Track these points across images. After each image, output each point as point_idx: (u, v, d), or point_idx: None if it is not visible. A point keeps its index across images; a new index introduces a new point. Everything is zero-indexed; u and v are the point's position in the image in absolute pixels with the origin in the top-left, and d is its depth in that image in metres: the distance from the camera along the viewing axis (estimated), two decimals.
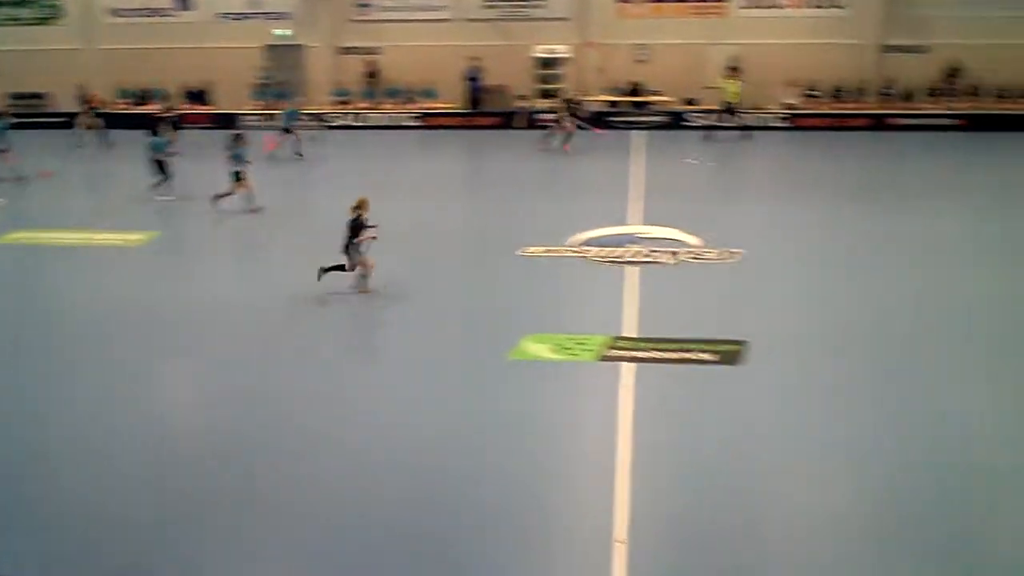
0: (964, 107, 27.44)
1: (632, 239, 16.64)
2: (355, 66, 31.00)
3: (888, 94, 28.42)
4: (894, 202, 19.24)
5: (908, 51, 28.51)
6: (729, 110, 26.49)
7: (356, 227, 13.51)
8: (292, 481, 9.06)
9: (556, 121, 25.00)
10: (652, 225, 17.42)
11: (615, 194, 19.96)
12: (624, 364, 11.53)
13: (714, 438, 9.78)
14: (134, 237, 17.57)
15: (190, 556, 7.89)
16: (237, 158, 18.91)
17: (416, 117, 29.20)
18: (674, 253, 15.82)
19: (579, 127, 25.54)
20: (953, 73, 28.32)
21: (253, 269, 16.68)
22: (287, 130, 24.98)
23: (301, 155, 24.77)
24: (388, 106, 30.13)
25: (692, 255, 15.75)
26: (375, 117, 29.32)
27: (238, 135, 19.65)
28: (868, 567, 7.55)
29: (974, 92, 27.89)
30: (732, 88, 26.65)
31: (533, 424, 10.23)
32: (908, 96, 28.36)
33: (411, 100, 29.72)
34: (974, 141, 26.04)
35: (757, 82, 28.15)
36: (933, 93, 28.34)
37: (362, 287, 13.92)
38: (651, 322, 12.82)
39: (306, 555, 7.89)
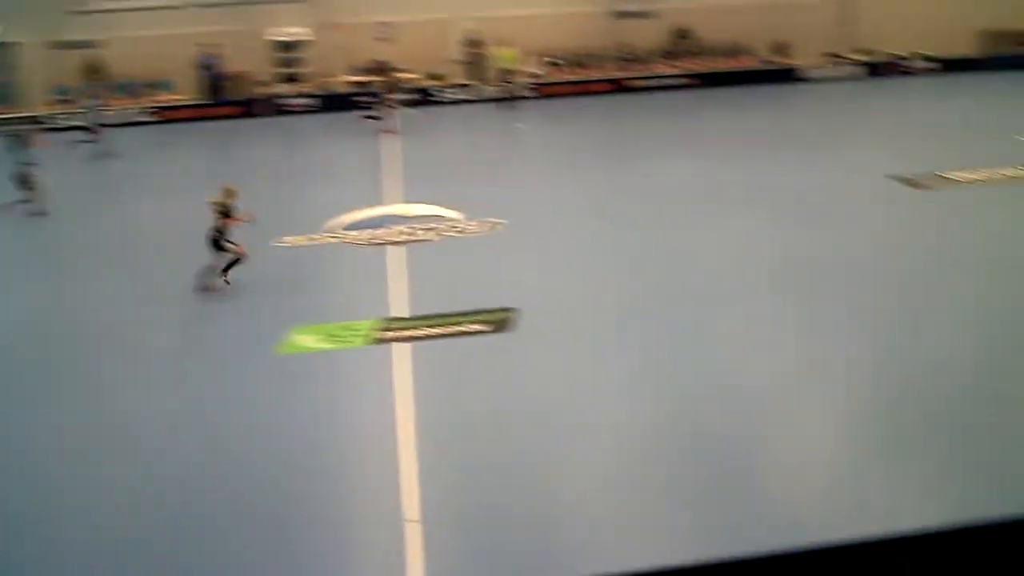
0: (694, 66, 29.06)
1: (393, 219, 16.31)
2: (76, 62, 28.49)
3: (626, 59, 29.59)
4: (637, 160, 20.00)
5: (638, 16, 29.78)
6: (507, 80, 26.75)
7: (226, 215, 13.12)
8: (43, 519, 8.11)
9: (378, 102, 23.83)
10: (412, 203, 17.14)
11: (372, 175, 19.54)
12: (397, 345, 11.26)
13: (494, 406, 9.72)
14: None
15: None
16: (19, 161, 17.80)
17: (150, 112, 27.29)
18: (437, 229, 15.64)
19: (395, 108, 24.51)
20: (682, 35, 29.91)
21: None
22: None
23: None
24: (118, 102, 27.92)
25: (455, 229, 15.65)
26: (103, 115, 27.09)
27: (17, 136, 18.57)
28: (649, 517, 7.72)
29: (700, 52, 29.58)
30: (509, 55, 26.96)
31: (311, 415, 9.78)
32: (643, 59, 29.65)
33: (142, 94, 27.64)
34: (706, 97, 27.61)
35: (499, 54, 28.53)
36: (666, 55, 29.80)
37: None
38: (420, 300, 12.61)
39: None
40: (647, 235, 15.01)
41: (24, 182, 17.62)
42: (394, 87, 25.81)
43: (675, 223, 15.61)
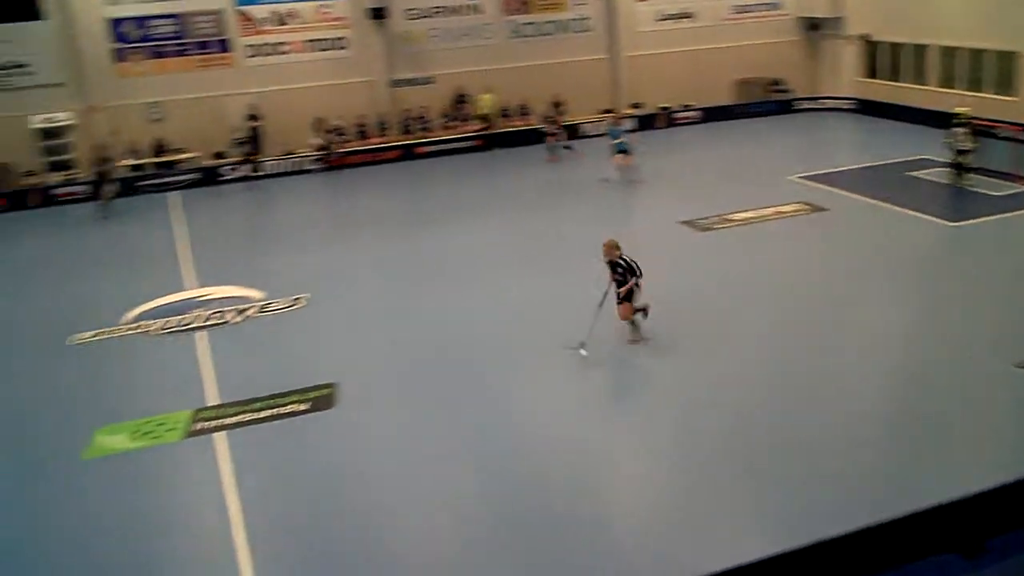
0: (474, 129, 29.96)
1: (193, 303, 15.82)
2: None
3: (410, 126, 30.10)
4: (428, 224, 20.31)
5: (415, 83, 30.45)
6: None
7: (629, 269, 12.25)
8: None
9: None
10: (210, 286, 16.67)
11: (164, 260, 18.80)
12: (215, 435, 10.95)
13: (323, 483, 9.71)
14: None
15: None
16: None
17: None
18: (240, 310, 15.30)
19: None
20: (460, 99, 30.79)
21: None
22: None
23: None
24: None
25: (258, 308, 15.38)
26: None
27: None
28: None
29: (483, 115, 30.60)
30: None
31: (132, 522, 9.30)
32: (425, 125, 30.26)
33: None
34: (491, 158, 28.48)
35: (281, 127, 28.33)
36: (448, 119, 30.54)
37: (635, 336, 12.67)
38: (233, 385, 12.34)
39: None
40: (442, 296, 15.29)
41: None
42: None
43: (468, 282, 15.96)
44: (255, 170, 27.57)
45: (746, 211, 18.96)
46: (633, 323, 12.55)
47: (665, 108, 32.02)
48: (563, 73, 31.33)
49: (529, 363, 12.29)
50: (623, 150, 22.13)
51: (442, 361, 12.62)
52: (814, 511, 8.38)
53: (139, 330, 14.81)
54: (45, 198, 26.06)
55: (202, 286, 16.78)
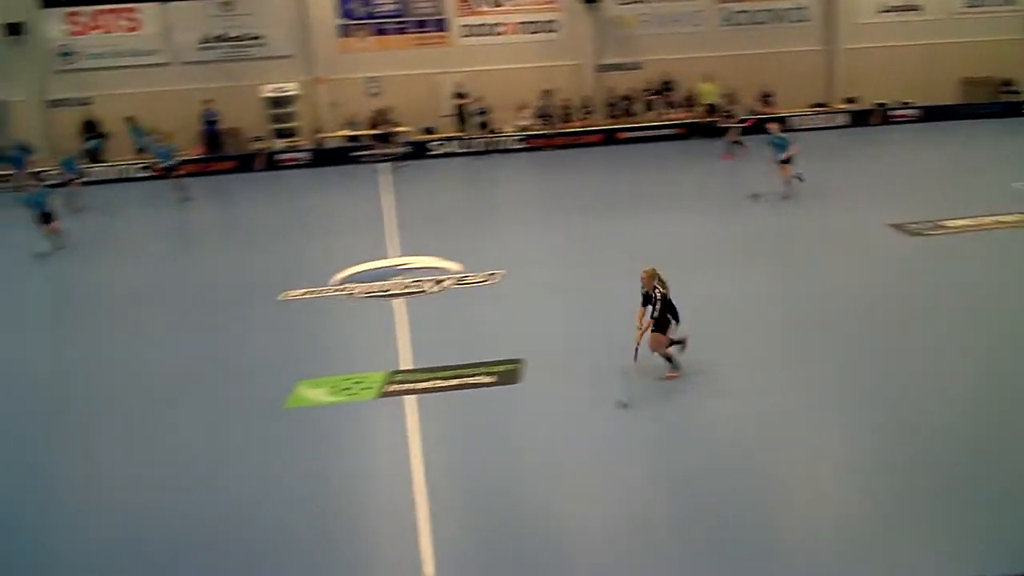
0: (680, 117, 29.68)
1: (394, 271, 16.55)
2: (69, 119, 28.80)
3: (614, 111, 30.16)
4: (629, 210, 20.33)
5: (622, 68, 30.46)
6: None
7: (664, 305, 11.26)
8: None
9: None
10: (412, 255, 17.40)
11: (371, 228, 19.78)
12: (406, 397, 11.41)
13: (504, 458, 9.87)
14: None
15: None
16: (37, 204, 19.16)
17: (143, 168, 27.51)
18: (437, 281, 15.88)
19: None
20: (667, 86, 30.56)
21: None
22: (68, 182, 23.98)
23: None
24: (118, 159, 28.28)
25: (455, 280, 15.89)
26: (100, 171, 27.34)
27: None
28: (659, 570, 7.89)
29: (688, 103, 30.20)
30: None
31: (322, 470, 9.88)
32: (629, 111, 30.24)
33: (146, 147, 27.81)
34: (694, 148, 28.11)
35: (487, 106, 29.06)
36: (650, 106, 30.40)
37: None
38: (426, 352, 12.78)
39: None
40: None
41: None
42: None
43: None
44: (462, 147, 28.45)
45: (963, 218, 17.81)
46: (668, 357, 11.43)
47: (881, 105, 30.45)
48: (774, 64, 30.37)
49: (712, 359, 12.07)
50: (785, 160, 20.50)
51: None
52: None
53: (344, 292, 15.68)
54: (269, 162, 27.93)
55: (404, 255, 17.56)
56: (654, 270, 11.48)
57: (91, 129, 28.67)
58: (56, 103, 28.86)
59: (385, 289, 15.65)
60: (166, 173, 23.24)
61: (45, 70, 28.60)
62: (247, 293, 16.12)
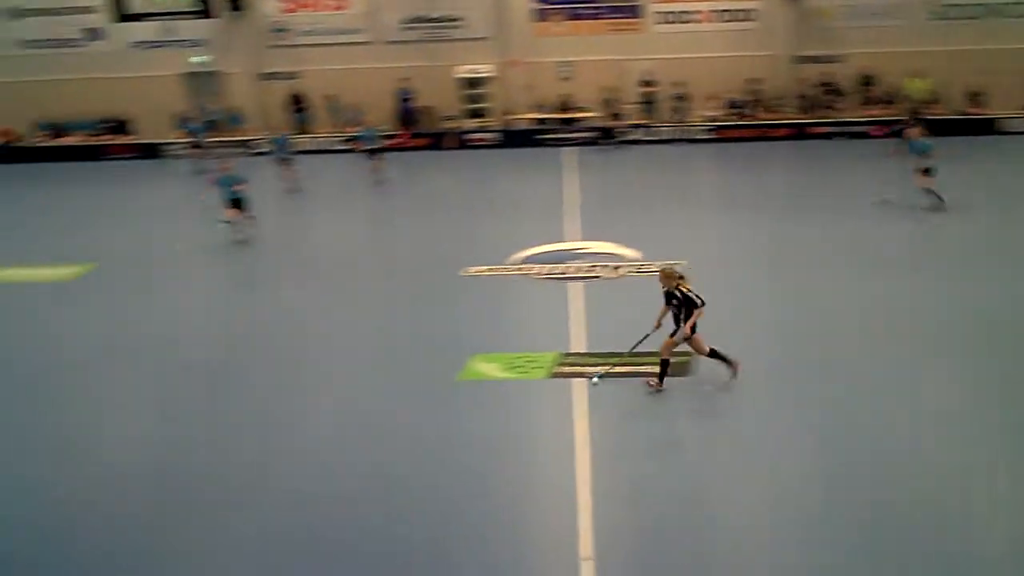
0: (880, 114, 28.31)
1: (572, 255, 16.73)
2: (278, 91, 30.60)
3: (808, 104, 29.15)
4: (818, 210, 19.62)
5: (820, 61, 29.35)
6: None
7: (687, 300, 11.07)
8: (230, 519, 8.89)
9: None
10: (590, 240, 17.52)
11: (552, 211, 20.05)
12: (575, 380, 11.56)
13: (671, 450, 9.86)
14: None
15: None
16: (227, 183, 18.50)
17: (345, 141, 28.91)
18: (615, 267, 15.94)
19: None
20: (866, 81, 29.23)
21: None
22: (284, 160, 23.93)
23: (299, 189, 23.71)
24: (319, 131, 29.86)
25: (632, 268, 15.89)
26: (303, 142, 28.93)
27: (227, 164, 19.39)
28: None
29: (889, 99, 28.80)
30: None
31: (488, 444, 10.20)
32: (826, 105, 29.13)
33: (350, 123, 29.24)
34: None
35: (678, 95, 28.71)
36: (847, 101, 29.16)
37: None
38: (598, 337, 12.89)
39: None
40: (837, 286, 14.71)
41: (236, 205, 18.48)
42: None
43: (836, 279, 15.23)
44: (648, 134, 28.28)
45: None
46: (715, 354, 11.07)
47: None
48: (987, 61, 28.27)
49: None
50: (927, 168, 18.67)
51: (810, 352, 12.27)
52: None
53: (523, 272, 15.99)
54: (459, 142, 28.71)
55: (583, 239, 17.71)
56: (670, 268, 11.30)
57: (297, 102, 30.35)
58: (267, 76, 30.70)
59: (562, 271, 15.86)
60: (370, 154, 23.96)
61: (259, 45, 30.45)
62: (432, 267, 16.72)
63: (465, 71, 29.89)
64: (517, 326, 13.77)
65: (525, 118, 29.56)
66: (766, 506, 8.74)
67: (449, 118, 29.81)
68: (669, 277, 11.10)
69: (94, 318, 14.96)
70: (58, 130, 30.34)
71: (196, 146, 27.41)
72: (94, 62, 30.36)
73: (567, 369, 11.91)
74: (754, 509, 8.69)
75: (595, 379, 11.47)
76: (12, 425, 11.22)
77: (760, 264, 16.11)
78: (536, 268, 16.11)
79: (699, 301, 10.84)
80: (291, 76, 30.58)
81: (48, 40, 30.52)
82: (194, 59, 30.33)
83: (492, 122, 29.76)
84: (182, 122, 29.16)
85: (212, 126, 29.34)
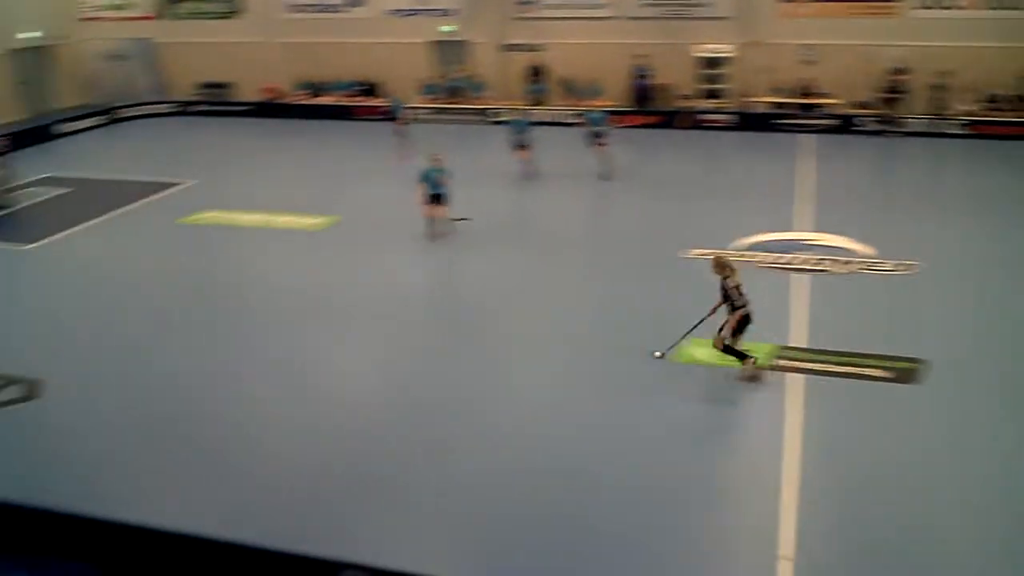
0: None
1: (800, 246, 16.29)
2: (519, 62, 31.37)
3: None
4: None
5: None
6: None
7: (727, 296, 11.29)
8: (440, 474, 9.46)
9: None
10: (821, 232, 16.97)
11: (782, 198, 19.52)
12: (791, 375, 11.37)
13: (886, 459, 9.57)
14: None
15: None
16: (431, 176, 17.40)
17: (578, 115, 29.27)
18: (845, 262, 15.40)
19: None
20: None
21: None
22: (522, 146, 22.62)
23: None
24: (556, 104, 30.37)
25: (863, 265, 15.29)
26: (539, 114, 29.56)
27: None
28: None
29: None
30: None
31: (693, 429, 10.26)
32: None
33: (583, 97, 29.62)
34: None
35: (928, 85, 27.00)
36: None
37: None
38: (820, 333, 12.58)
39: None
40: None
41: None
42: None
43: None
44: (893, 125, 26.83)
45: None
46: (731, 349, 11.08)
47: None
48: None
49: None
50: None
51: None
52: None
53: (746, 258, 15.76)
54: (692, 122, 28.35)
55: (813, 230, 17.17)
56: (720, 257, 11.17)
57: (536, 75, 31.00)
58: (510, 47, 31.54)
59: (788, 262, 15.50)
60: (594, 137, 23.43)
61: (505, 16, 31.27)
62: (653, 245, 16.79)
63: (704, 50, 29.43)
64: None
65: (762, 101, 28.78)
66: (989, 519, 8.33)
67: (684, 97, 29.51)
68: (720, 267, 11.15)
69: (336, 265, 16.21)
70: (316, 90, 32.55)
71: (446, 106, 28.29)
72: (352, 27, 32.31)
73: (783, 363, 11.72)
74: (975, 523, 8.32)
75: (658, 353, 11.74)
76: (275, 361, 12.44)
77: (1008, 275, 15.03)
78: (760, 256, 15.83)
79: (738, 301, 10.97)
80: (532, 48, 31.25)
81: (314, 5, 32.74)
82: (444, 28, 31.62)
83: (728, 103, 29.20)
84: (427, 88, 30.57)
85: (455, 92, 30.51)
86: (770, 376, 11.35)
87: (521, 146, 22.45)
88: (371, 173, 23.45)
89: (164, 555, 7.88)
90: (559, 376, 11.72)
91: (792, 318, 13.19)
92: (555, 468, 9.49)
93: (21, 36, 31.71)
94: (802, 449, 9.69)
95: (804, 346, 12.20)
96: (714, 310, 11.44)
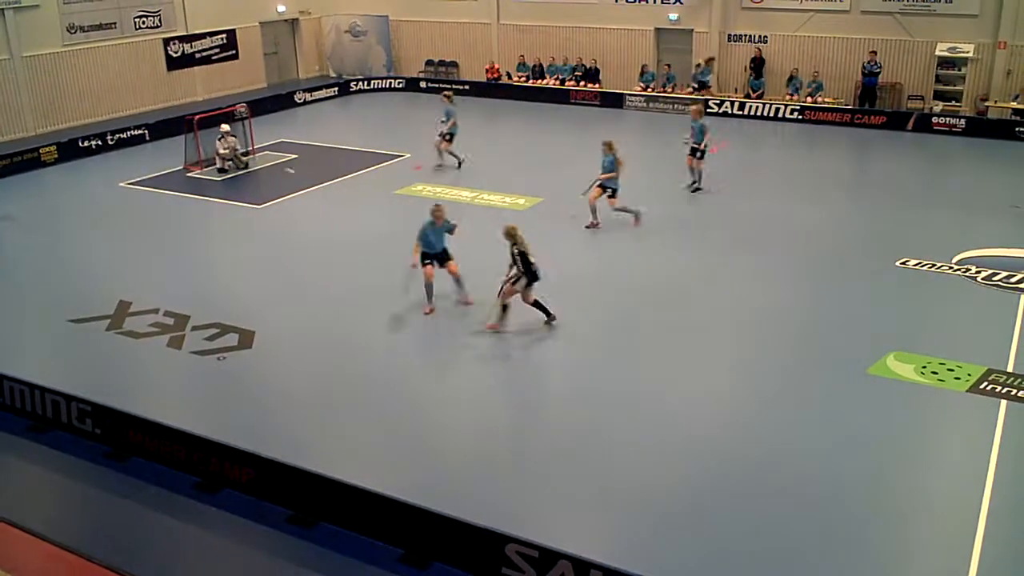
0: None
1: None
2: (740, 53, 30.67)
3: None
4: None
5: None
6: None
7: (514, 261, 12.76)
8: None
9: None
10: None
11: (1015, 213, 18.15)
12: (1002, 401, 10.74)
13: None
14: None
15: None
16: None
17: (796, 110, 28.34)
18: None
19: None
20: None
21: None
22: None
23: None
24: (771, 97, 29.54)
25: None
26: (754, 106, 28.86)
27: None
28: None
29: None
30: None
31: (890, 446, 9.95)
32: None
33: (808, 94, 28.66)
34: None
35: None
36: None
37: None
38: None
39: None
40: None
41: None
42: None
43: None
44: None
45: None
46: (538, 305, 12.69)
47: None
48: None
49: None
50: None
51: None
52: None
53: (964, 273, 14.87)
54: (922, 124, 26.72)
55: None
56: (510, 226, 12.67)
57: (756, 66, 30.18)
58: (734, 38, 30.89)
59: (1015, 280, 14.50)
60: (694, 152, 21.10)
61: (734, 5, 30.64)
62: (865, 251, 16.13)
63: (943, 49, 27.68)
64: (946, 330, 12.93)
65: (1003, 107, 26.78)
66: None
67: (915, 98, 27.93)
68: (509, 233, 12.47)
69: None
70: (535, 73, 33.14)
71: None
72: (579, 13, 32.65)
73: (991, 387, 11.07)
74: None
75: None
76: None
77: None
78: (983, 272, 14.88)
79: (518, 267, 12.39)
80: (757, 39, 30.49)
81: None
82: (671, 16, 31.40)
83: (963, 107, 27.38)
84: (644, 75, 30.56)
85: (702, 86, 30.10)
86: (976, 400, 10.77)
87: (695, 154, 20.25)
88: (576, 160, 23.72)
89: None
90: (775, 383, 11.60)
91: (1013, 340, 12.37)
92: (751, 460, 9.53)
93: (280, 10, 34.28)
94: (997, 477, 9.24)
95: (1020, 372, 11.45)
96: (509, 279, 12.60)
